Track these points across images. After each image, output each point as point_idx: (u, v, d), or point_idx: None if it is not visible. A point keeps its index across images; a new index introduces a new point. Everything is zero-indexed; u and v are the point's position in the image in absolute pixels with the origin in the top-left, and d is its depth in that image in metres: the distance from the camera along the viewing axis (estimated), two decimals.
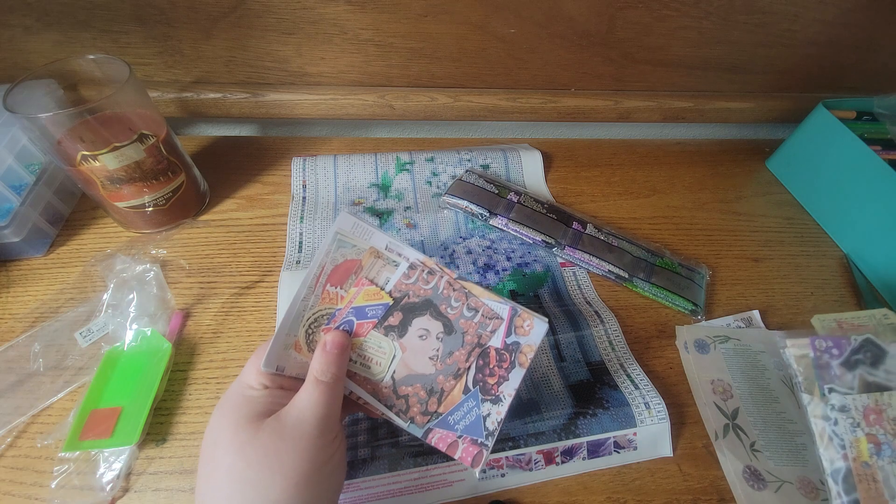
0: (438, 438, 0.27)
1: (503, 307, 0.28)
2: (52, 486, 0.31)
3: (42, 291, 0.41)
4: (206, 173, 0.50)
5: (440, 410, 0.27)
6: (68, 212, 0.47)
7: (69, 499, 0.30)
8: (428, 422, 0.27)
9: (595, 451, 0.34)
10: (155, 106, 0.42)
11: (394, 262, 0.29)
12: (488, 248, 0.47)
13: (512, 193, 0.49)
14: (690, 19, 0.51)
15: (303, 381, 0.26)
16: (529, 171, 0.56)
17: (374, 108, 0.55)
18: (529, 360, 0.28)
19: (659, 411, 0.35)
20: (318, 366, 0.26)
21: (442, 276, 0.28)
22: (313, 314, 0.28)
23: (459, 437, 0.27)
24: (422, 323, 0.28)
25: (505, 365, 0.27)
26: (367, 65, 0.53)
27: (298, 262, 0.44)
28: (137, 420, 0.32)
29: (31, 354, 0.36)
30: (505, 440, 0.33)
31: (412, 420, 0.27)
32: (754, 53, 0.56)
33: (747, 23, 0.52)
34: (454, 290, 0.28)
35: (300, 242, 0.46)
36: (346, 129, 0.63)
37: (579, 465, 0.34)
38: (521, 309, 0.28)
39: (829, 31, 0.54)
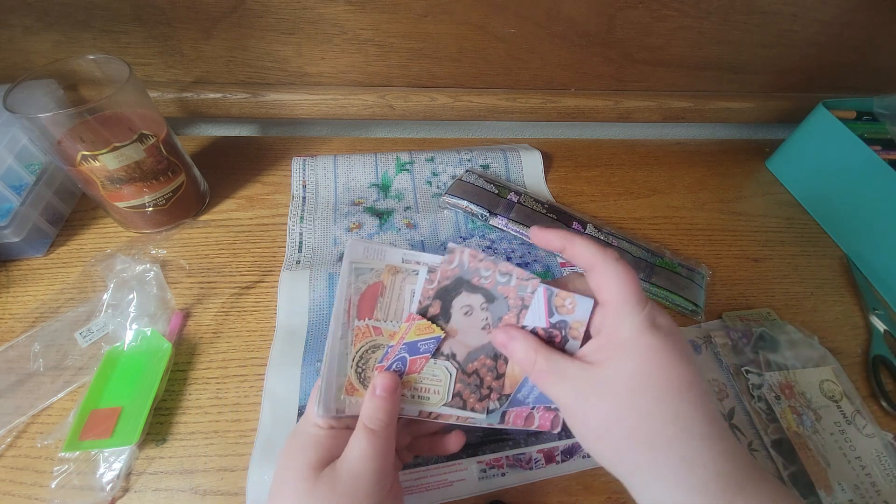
0: (515, 416, 0.27)
1: (534, 280, 0.27)
2: (52, 486, 0.31)
3: (42, 291, 0.41)
4: (206, 173, 0.50)
5: (506, 391, 0.27)
6: (68, 212, 0.47)
7: (69, 499, 0.30)
8: (501, 406, 0.27)
9: None
10: (155, 106, 0.42)
11: (413, 271, 0.29)
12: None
13: (512, 193, 0.49)
14: (690, 19, 0.51)
15: None
16: (529, 171, 0.56)
17: (374, 108, 0.55)
18: (582, 334, 0.26)
19: None
20: (367, 412, 0.25)
21: (463, 251, 0.27)
22: (357, 352, 0.28)
23: (533, 408, 0.27)
24: (461, 300, 0.28)
25: (557, 341, 0.26)
26: (367, 65, 0.53)
27: (298, 262, 0.44)
28: (137, 420, 0.32)
29: (31, 354, 0.36)
30: (505, 440, 0.33)
31: (487, 410, 0.27)
32: (754, 53, 0.56)
33: (747, 23, 0.52)
34: (479, 260, 0.27)
35: (300, 242, 0.46)
36: (346, 129, 0.63)
37: (579, 464, 0.34)
38: (554, 289, 0.27)
39: (829, 31, 0.54)
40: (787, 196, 0.58)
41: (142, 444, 0.33)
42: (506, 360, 0.28)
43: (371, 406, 0.25)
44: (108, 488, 0.31)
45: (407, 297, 0.29)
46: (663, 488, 0.21)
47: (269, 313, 0.41)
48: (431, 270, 0.28)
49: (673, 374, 0.21)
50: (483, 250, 0.46)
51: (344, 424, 0.26)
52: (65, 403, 0.35)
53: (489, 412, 0.27)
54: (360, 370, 0.27)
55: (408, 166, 0.53)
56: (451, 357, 0.28)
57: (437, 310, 0.28)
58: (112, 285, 0.38)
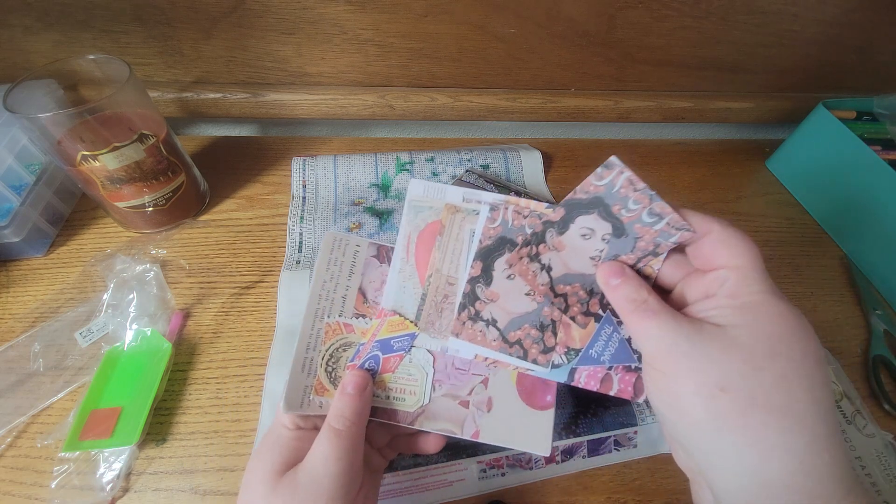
0: (587, 377, 0.25)
1: (686, 233, 0.23)
2: (52, 486, 0.31)
3: (42, 291, 0.41)
4: (206, 173, 0.50)
5: (575, 345, 0.25)
6: (68, 212, 0.47)
7: (69, 499, 0.30)
8: (568, 362, 0.25)
9: (595, 449, 0.34)
10: (155, 106, 0.42)
11: (474, 211, 0.27)
12: None
13: (512, 193, 0.49)
14: (690, 19, 0.51)
15: None
16: (529, 171, 0.56)
17: (374, 108, 0.55)
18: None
19: None
20: (334, 410, 0.24)
21: (622, 173, 0.23)
22: (327, 350, 0.27)
23: (609, 368, 0.25)
24: (584, 222, 0.24)
25: None
26: (367, 65, 0.53)
27: (298, 262, 0.44)
28: (137, 420, 0.32)
29: (31, 354, 0.36)
30: None
31: (551, 364, 0.25)
32: (754, 53, 0.56)
33: (747, 23, 0.52)
34: (635, 190, 0.23)
35: (300, 242, 0.46)
36: (346, 129, 0.63)
37: (579, 464, 0.34)
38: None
39: (829, 31, 0.54)
40: (787, 196, 0.58)
41: (142, 444, 0.33)
42: (601, 302, 0.25)
43: (338, 404, 0.24)
44: (108, 488, 0.31)
45: (466, 237, 0.27)
46: (778, 465, 0.18)
47: (269, 313, 0.41)
48: (494, 209, 0.26)
49: (809, 345, 0.20)
50: None
51: (311, 425, 0.25)
52: (65, 403, 0.35)
53: (553, 366, 0.25)
54: (330, 369, 0.26)
55: (408, 166, 0.53)
56: (547, 268, 0.25)
57: (558, 217, 0.25)
58: (112, 285, 0.38)
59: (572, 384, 0.25)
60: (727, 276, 0.21)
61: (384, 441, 0.29)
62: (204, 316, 0.40)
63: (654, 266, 0.24)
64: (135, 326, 0.37)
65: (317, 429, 0.25)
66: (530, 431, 0.26)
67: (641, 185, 0.23)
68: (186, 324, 0.39)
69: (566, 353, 0.25)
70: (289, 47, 0.50)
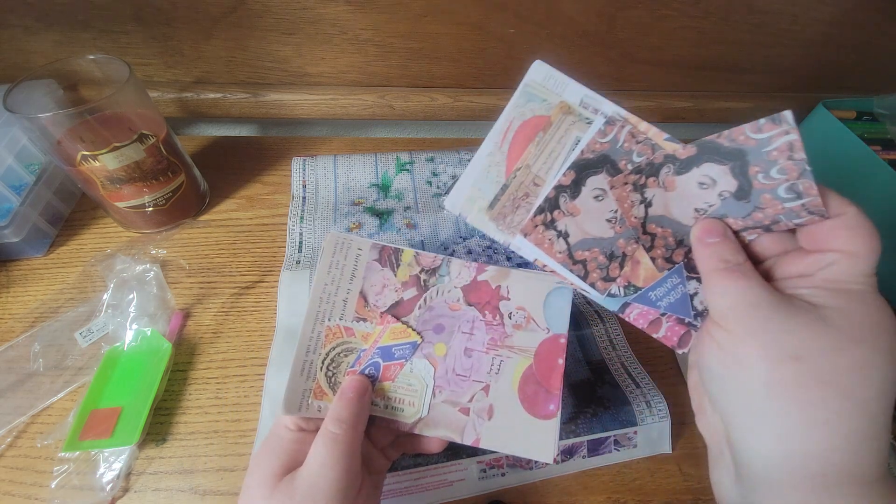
0: (637, 315, 0.25)
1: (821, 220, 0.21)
2: (52, 486, 0.31)
3: (42, 291, 0.41)
4: (206, 173, 0.50)
5: (638, 283, 0.24)
6: (68, 212, 0.47)
7: (69, 499, 0.30)
8: (625, 295, 0.24)
9: (595, 449, 0.34)
10: (155, 106, 0.42)
11: (586, 119, 0.25)
12: (488, 247, 0.47)
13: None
14: (690, 19, 0.51)
15: None
16: None
17: (374, 108, 0.55)
18: None
19: (660, 410, 0.35)
20: (332, 413, 0.24)
21: (789, 132, 0.20)
22: (327, 354, 0.27)
23: (662, 314, 0.24)
24: (713, 171, 0.22)
25: None
26: (367, 65, 0.53)
27: (298, 262, 0.44)
28: (137, 420, 0.32)
29: (31, 354, 0.36)
30: None
31: (608, 292, 0.25)
32: (754, 53, 0.56)
33: (747, 23, 0.52)
34: (790, 158, 0.20)
35: (300, 242, 0.46)
36: (346, 129, 0.63)
37: (579, 463, 0.34)
38: None
39: (829, 31, 0.54)
40: None
41: (142, 444, 0.33)
42: (685, 254, 0.24)
43: (336, 407, 0.24)
44: (108, 488, 0.31)
45: (569, 142, 0.25)
46: (823, 437, 0.19)
47: (269, 313, 0.41)
48: (609, 123, 0.24)
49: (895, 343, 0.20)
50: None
51: (314, 426, 0.25)
52: (65, 403, 0.35)
53: (609, 295, 0.24)
54: (330, 373, 0.26)
55: (408, 166, 0.53)
56: (647, 203, 0.24)
57: (687, 154, 0.22)
58: (112, 285, 0.38)
59: (621, 316, 0.25)
60: (835, 260, 0.21)
61: (387, 441, 0.29)
62: (204, 316, 0.40)
63: (751, 237, 0.23)
64: (135, 326, 0.37)
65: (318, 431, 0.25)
66: (533, 439, 0.26)
67: (801, 154, 0.20)
68: (186, 324, 0.39)
69: (626, 287, 0.25)
70: (289, 47, 0.50)
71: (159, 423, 0.34)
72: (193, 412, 0.35)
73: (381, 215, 0.48)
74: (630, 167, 0.24)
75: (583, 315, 0.41)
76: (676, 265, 0.24)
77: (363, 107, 0.55)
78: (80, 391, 0.35)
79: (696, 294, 0.24)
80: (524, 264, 0.45)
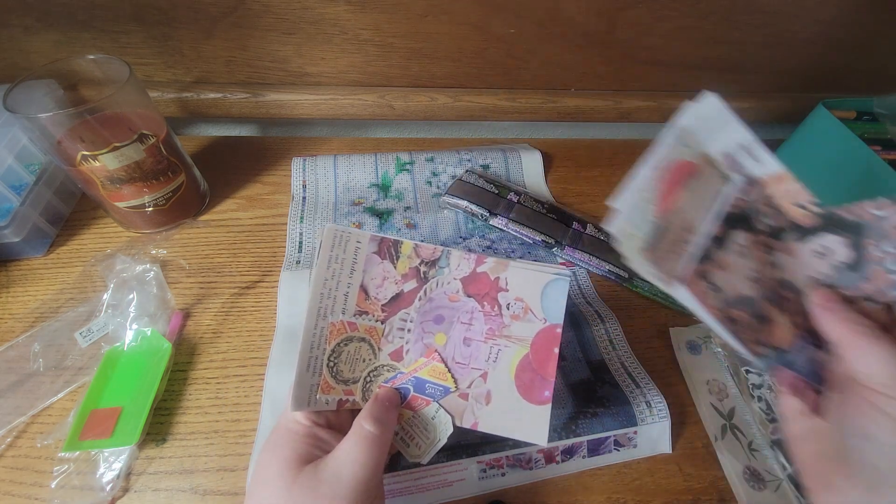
0: (780, 377, 0.24)
1: None
2: (52, 486, 0.31)
3: (42, 291, 0.41)
4: (206, 173, 0.50)
5: (780, 345, 0.24)
6: (68, 212, 0.47)
7: (69, 499, 0.30)
8: (770, 357, 0.24)
9: (595, 449, 0.34)
10: (155, 106, 0.42)
11: (724, 175, 0.25)
12: (488, 248, 0.47)
13: (512, 193, 0.49)
14: (690, 19, 0.51)
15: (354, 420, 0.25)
16: (529, 171, 0.56)
17: (374, 108, 0.55)
18: None
19: (660, 410, 0.35)
20: (368, 412, 0.24)
21: None
22: (331, 349, 0.27)
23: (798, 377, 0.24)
24: (831, 241, 0.23)
25: None
26: (367, 65, 0.53)
27: (298, 262, 0.44)
28: (137, 420, 0.32)
29: (31, 354, 0.36)
30: (505, 439, 0.33)
31: (759, 354, 0.24)
32: (754, 53, 0.56)
33: (747, 23, 0.52)
34: None
35: (300, 242, 0.46)
36: (346, 129, 0.63)
37: (579, 463, 0.34)
38: None
39: (829, 31, 0.54)
40: None
41: (142, 444, 0.33)
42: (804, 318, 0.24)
43: (374, 408, 0.25)
44: (108, 488, 0.31)
45: (712, 192, 0.24)
46: None
47: (269, 313, 0.41)
48: (750, 184, 0.24)
49: None
50: (482, 250, 0.46)
51: (325, 421, 0.25)
52: (65, 403, 0.35)
53: (758, 356, 0.24)
54: (331, 363, 0.27)
55: (408, 166, 0.53)
56: (777, 265, 0.24)
57: (809, 223, 0.23)
58: (112, 285, 0.38)
59: (770, 375, 0.25)
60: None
61: None
62: (204, 316, 0.40)
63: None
64: (135, 326, 0.37)
65: (330, 426, 0.25)
66: (528, 424, 0.27)
67: None
68: (186, 324, 0.39)
69: (771, 349, 0.25)
70: (289, 47, 0.50)
71: (159, 423, 0.34)
72: (193, 412, 0.35)
73: (381, 215, 0.48)
74: (761, 227, 0.25)
75: (583, 315, 0.41)
76: (804, 330, 0.25)
77: (363, 107, 0.55)
78: (80, 391, 0.35)
79: (815, 359, 0.24)
80: (522, 258, 0.45)
